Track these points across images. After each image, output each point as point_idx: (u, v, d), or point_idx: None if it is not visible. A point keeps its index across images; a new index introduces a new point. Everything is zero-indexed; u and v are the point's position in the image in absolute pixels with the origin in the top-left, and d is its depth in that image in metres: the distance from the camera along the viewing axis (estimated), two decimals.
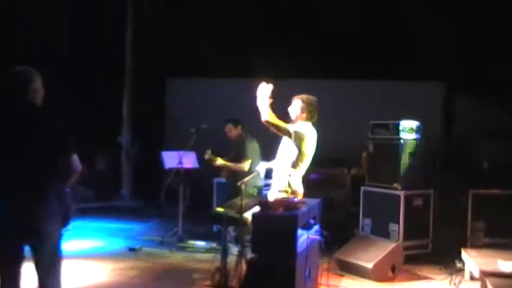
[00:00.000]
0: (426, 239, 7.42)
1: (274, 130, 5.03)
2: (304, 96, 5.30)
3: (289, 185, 5.19)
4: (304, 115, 5.27)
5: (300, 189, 5.27)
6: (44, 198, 3.67)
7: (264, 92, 4.94)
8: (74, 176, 3.81)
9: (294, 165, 5.20)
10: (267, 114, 4.92)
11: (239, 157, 7.32)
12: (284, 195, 5.09)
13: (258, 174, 6.40)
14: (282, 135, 5.18)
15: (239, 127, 7.49)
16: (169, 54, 11.95)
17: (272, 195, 5.19)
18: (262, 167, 6.19)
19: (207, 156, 7.35)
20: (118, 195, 11.71)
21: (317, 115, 5.31)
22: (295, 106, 5.29)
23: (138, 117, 11.95)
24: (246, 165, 7.21)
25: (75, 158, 3.77)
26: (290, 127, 5.12)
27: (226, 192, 7.40)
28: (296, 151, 5.16)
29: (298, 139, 5.13)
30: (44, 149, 3.68)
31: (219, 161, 7.33)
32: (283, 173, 5.25)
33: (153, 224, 9.60)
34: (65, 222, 3.79)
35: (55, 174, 3.71)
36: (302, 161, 5.21)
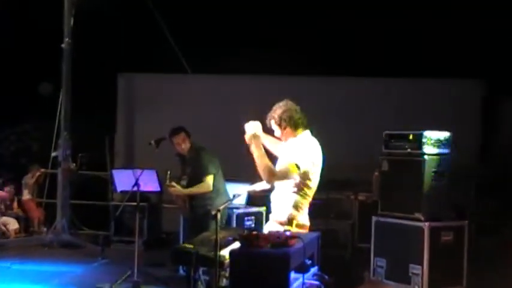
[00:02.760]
0: (459, 285, 7.51)
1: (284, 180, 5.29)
2: (271, 112, 5.52)
3: (292, 217, 5.31)
4: (288, 129, 5.46)
5: (306, 221, 5.40)
6: None
7: (253, 132, 5.25)
8: None
9: (299, 189, 5.36)
10: (267, 173, 5.16)
11: (196, 175, 7.38)
12: (287, 229, 5.20)
13: (226, 197, 6.48)
14: (294, 176, 5.29)
15: (190, 138, 7.59)
16: (120, 46, 12.24)
17: (270, 229, 5.27)
18: (243, 190, 6.23)
19: (167, 184, 7.42)
20: (50, 227, 11.63)
21: (304, 117, 5.49)
22: (273, 128, 5.52)
23: (79, 124, 11.95)
24: (209, 182, 7.28)
25: None
26: (291, 159, 5.27)
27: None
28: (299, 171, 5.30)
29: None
30: None
31: (178, 190, 7.40)
32: (285, 200, 5.38)
33: (98, 266, 9.56)
34: None
35: None
36: (308, 185, 5.39)
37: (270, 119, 5.52)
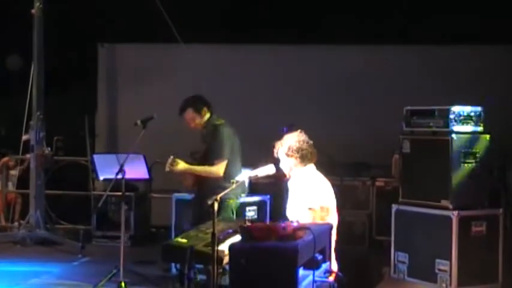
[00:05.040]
0: (493, 283, 7.52)
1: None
2: (282, 140, 6.19)
3: None
4: (295, 160, 6.09)
5: None
6: None
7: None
8: None
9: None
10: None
11: (209, 156, 7.26)
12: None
13: (242, 185, 6.43)
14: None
15: (204, 110, 7.43)
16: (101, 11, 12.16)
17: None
18: (244, 176, 6.23)
19: (169, 167, 7.26)
20: (23, 222, 11.66)
21: (314, 153, 6.16)
22: (279, 156, 6.17)
23: (54, 102, 11.94)
24: (220, 168, 7.14)
25: None
26: (306, 205, 5.94)
27: (191, 213, 7.43)
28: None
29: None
30: None
31: (181, 165, 7.21)
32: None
33: (78, 265, 9.61)
34: None
35: None
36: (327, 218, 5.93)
37: (278, 147, 6.14)
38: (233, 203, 7.20)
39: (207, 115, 7.44)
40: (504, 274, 7.55)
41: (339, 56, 11.95)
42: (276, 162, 6.17)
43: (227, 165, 7.15)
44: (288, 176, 6.25)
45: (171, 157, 7.18)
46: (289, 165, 6.15)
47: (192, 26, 12.10)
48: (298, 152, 6.07)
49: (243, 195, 7.57)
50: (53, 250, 10.53)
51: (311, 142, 6.17)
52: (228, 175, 7.04)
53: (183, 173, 7.34)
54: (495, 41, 11.70)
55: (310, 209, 5.92)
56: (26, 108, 11.57)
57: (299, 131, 6.23)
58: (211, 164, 7.17)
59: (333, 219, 6.02)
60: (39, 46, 11.31)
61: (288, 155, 6.10)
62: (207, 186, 7.15)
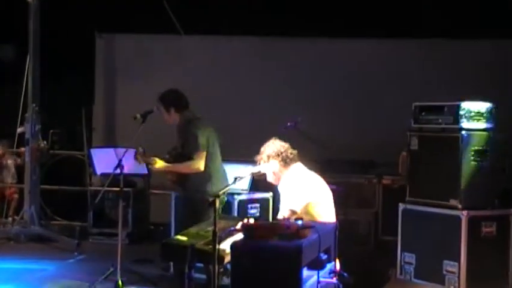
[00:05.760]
0: (504, 286, 7.55)
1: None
2: (259, 154, 6.45)
3: None
4: (281, 165, 6.35)
5: None
6: None
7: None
8: None
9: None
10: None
11: (186, 151, 7.22)
12: None
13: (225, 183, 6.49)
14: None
15: (172, 110, 7.36)
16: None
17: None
18: (245, 172, 6.25)
19: (138, 157, 7.27)
20: (18, 218, 11.68)
21: (294, 153, 6.40)
22: (264, 170, 6.39)
23: (50, 94, 11.96)
24: (199, 162, 7.13)
25: None
26: (287, 207, 6.15)
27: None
28: None
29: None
30: None
31: (159, 164, 7.22)
32: None
33: (74, 263, 9.63)
34: None
35: None
36: (317, 215, 6.07)
37: (259, 162, 6.41)
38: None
39: (176, 116, 7.38)
40: None
41: (344, 49, 11.92)
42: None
43: (206, 160, 7.13)
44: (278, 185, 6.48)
45: (140, 149, 7.24)
46: (274, 172, 6.39)
47: (193, 17, 12.14)
48: (278, 156, 6.34)
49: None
50: (48, 247, 10.54)
51: (288, 144, 6.45)
52: (209, 170, 7.12)
53: (163, 170, 7.37)
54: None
55: (291, 210, 6.11)
56: (21, 100, 11.60)
57: (273, 138, 6.51)
58: (190, 158, 7.14)
59: (326, 214, 6.12)
60: (35, 36, 11.32)
61: (269, 162, 6.35)
62: (190, 184, 7.21)
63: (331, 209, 6.26)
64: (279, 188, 6.44)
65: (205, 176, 7.14)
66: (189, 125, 7.25)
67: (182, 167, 7.22)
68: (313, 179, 6.37)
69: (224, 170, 7.42)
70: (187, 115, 7.38)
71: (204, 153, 7.13)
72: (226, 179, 7.24)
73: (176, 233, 6.71)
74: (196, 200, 7.02)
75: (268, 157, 6.36)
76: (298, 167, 6.41)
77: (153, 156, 7.24)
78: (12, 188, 12.18)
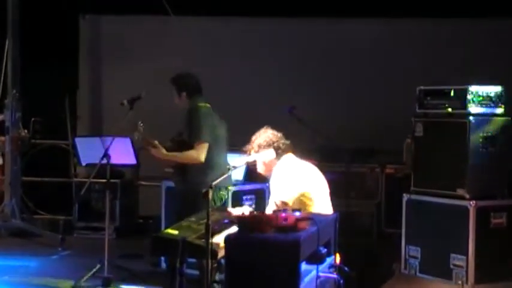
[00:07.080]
0: None
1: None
2: (250, 144, 6.51)
3: None
4: (273, 159, 6.33)
5: None
6: None
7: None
8: None
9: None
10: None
11: (188, 140, 7.15)
12: None
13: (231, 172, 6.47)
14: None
15: (183, 95, 7.37)
16: None
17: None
18: (240, 162, 6.27)
19: (137, 135, 7.17)
20: None
21: (287, 143, 6.44)
22: (255, 160, 6.42)
23: (32, 79, 11.94)
24: (200, 153, 7.09)
25: None
26: (278, 198, 6.16)
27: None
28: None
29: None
30: None
31: (158, 150, 7.15)
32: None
33: (58, 259, 9.65)
34: None
35: None
36: (311, 206, 6.12)
37: (249, 152, 6.44)
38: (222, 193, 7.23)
39: (186, 101, 7.37)
40: None
41: (345, 31, 11.91)
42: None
43: (209, 151, 7.07)
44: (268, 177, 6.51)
45: (140, 124, 7.11)
46: (265, 162, 6.40)
47: None
48: (270, 146, 6.34)
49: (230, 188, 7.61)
50: (30, 242, 10.56)
51: (280, 134, 6.46)
52: (210, 162, 7.04)
53: (161, 158, 7.27)
54: None
55: (282, 202, 6.12)
56: (0, 86, 11.57)
57: (265, 127, 6.52)
58: (191, 147, 7.08)
59: (321, 207, 6.15)
60: (14, 18, 11.30)
61: (259, 152, 6.35)
62: (188, 175, 7.16)
63: (327, 201, 6.30)
64: (270, 180, 6.45)
65: (205, 169, 7.05)
66: (196, 113, 7.22)
67: (181, 157, 7.16)
68: (307, 169, 6.40)
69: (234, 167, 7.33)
70: (197, 101, 7.37)
71: (207, 145, 7.07)
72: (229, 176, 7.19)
73: (167, 227, 6.72)
74: (197, 193, 6.97)
75: (259, 147, 6.38)
76: (290, 158, 6.41)
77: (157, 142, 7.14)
78: None
